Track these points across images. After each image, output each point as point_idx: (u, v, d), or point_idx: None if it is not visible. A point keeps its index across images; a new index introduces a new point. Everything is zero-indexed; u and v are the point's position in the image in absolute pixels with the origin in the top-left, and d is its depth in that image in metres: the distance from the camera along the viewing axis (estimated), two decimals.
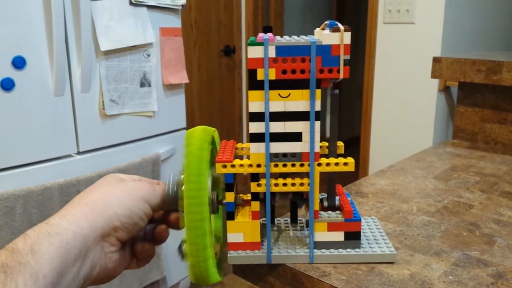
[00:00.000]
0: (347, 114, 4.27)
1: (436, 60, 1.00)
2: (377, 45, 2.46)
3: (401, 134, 2.46)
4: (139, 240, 0.48)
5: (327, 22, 0.46)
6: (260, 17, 3.11)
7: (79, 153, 1.45)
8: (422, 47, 2.29)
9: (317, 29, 0.49)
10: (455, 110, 1.06)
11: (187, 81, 1.73)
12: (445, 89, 2.34)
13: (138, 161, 1.53)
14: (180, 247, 0.47)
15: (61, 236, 0.38)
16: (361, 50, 2.64)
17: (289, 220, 0.58)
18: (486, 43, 2.67)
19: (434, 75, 1.01)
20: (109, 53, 1.45)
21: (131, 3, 1.48)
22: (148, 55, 1.56)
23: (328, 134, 0.50)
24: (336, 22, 0.45)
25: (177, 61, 1.68)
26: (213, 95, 3.02)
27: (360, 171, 2.63)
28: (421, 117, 2.37)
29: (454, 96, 2.42)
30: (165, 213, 0.50)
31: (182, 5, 1.65)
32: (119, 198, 0.43)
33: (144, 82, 1.57)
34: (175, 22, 1.66)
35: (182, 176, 0.46)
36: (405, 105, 2.42)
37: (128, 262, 0.48)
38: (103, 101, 1.46)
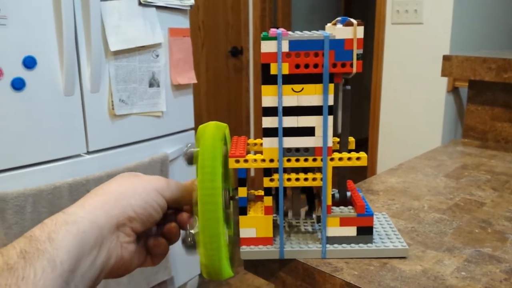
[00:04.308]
0: (355, 116, 4.26)
1: (446, 58, 1.00)
2: (385, 45, 2.45)
3: (409, 134, 2.45)
4: (152, 236, 0.49)
5: (339, 18, 0.46)
6: (267, 18, 3.12)
7: (88, 152, 1.46)
8: (431, 47, 2.28)
9: (329, 24, 0.49)
10: (465, 109, 1.05)
11: (195, 81, 1.73)
12: (453, 90, 2.33)
13: (147, 161, 1.54)
14: (184, 240, 0.48)
15: (78, 225, 0.38)
16: (369, 51, 2.63)
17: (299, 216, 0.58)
18: (494, 42, 2.65)
19: (444, 73, 1.01)
20: (118, 53, 1.45)
21: (140, 4, 1.49)
22: (157, 55, 1.57)
23: (339, 130, 0.50)
24: (348, 18, 0.45)
25: (185, 62, 1.69)
26: (221, 96, 3.03)
27: (368, 172, 2.62)
28: (429, 118, 2.36)
29: (462, 96, 2.41)
30: (176, 213, 0.50)
31: (191, 6, 1.66)
32: (134, 189, 0.44)
33: (153, 82, 1.58)
34: (183, 22, 1.67)
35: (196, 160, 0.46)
36: (413, 106, 2.41)
37: (143, 259, 0.48)
38: (112, 101, 1.47)
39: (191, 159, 0.49)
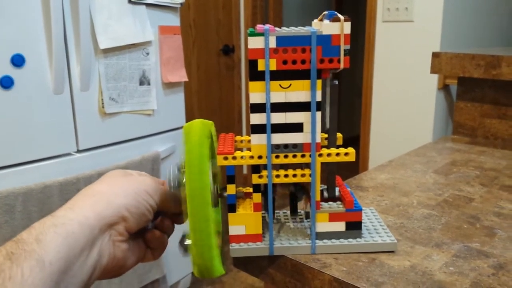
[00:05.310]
0: (347, 113, 4.27)
1: (435, 55, 1.00)
2: (376, 43, 2.46)
3: (401, 131, 2.46)
4: (148, 230, 0.49)
5: (325, 12, 0.46)
6: (259, 16, 3.11)
7: (78, 151, 1.45)
8: (421, 45, 2.29)
9: (315, 20, 0.49)
10: (454, 106, 1.06)
11: (186, 79, 1.73)
12: (444, 87, 2.34)
13: (138, 159, 1.53)
14: (181, 241, 0.47)
15: (66, 227, 0.38)
16: (360, 49, 2.64)
17: (288, 212, 0.58)
18: (485, 40, 2.67)
19: (433, 70, 1.01)
20: (108, 51, 1.45)
21: (129, 1, 1.48)
22: (147, 53, 1.56)
23: (328, 125, 0.50)
24: (335, 12, 0.45)
25: (176, 60, 1.68)
26: (212, 94, 3.02)
27: (360, 169, 2.63)
28: (420, 115, 2.37)
29: (453, 94, 2.43)
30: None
31: (181, 3, 1.65)
32: (125, 189, 0.43)
33: (143, 81, 1.57)
34: (174, 20, 1.67)
35: (182, 170, 0.46)
36: (404, 103, 2.42)
37: (142, 253, 0.48)
38: (102, 100, 1.46)
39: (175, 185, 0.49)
